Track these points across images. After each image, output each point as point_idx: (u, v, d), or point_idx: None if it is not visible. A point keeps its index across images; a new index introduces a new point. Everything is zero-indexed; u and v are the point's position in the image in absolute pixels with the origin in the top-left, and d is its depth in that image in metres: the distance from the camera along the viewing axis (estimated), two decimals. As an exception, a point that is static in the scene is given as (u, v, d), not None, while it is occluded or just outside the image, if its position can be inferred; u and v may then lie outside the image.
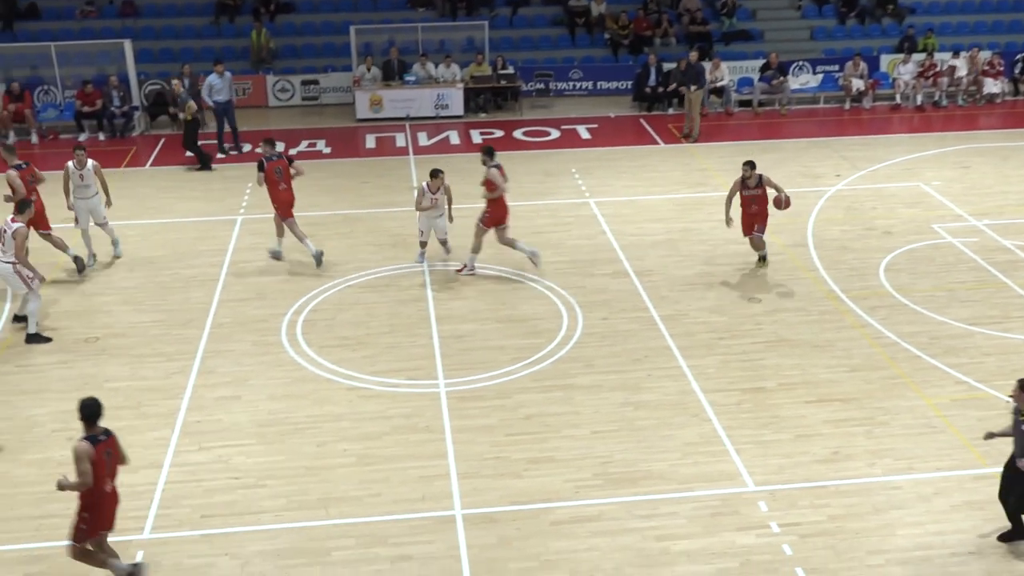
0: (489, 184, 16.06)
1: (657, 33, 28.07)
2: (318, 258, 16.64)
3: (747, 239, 16.28)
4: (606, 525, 10.55)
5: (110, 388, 13.23)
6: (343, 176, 21.17)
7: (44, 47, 25.12)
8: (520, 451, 11.82)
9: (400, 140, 23.77)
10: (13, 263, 14.13)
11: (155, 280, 16.36)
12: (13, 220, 14.25)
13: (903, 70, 26.06)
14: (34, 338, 14.48)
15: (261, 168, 16.60)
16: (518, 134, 24.21)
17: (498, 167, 16.15)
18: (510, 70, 25.93)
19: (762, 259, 16.42)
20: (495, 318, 15.00)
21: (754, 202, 15.91)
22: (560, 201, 19.67)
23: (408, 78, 25.43)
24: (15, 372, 13.68)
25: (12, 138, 23.49)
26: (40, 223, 15.99)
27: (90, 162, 16.41)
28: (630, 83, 26.65)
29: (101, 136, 23.99)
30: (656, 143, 23.50)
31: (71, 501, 10.98)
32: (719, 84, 25.53)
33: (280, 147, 19.50)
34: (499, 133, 24.28)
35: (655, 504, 10.84)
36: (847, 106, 25.98)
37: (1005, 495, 9.89)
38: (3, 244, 14.17)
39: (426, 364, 13.78)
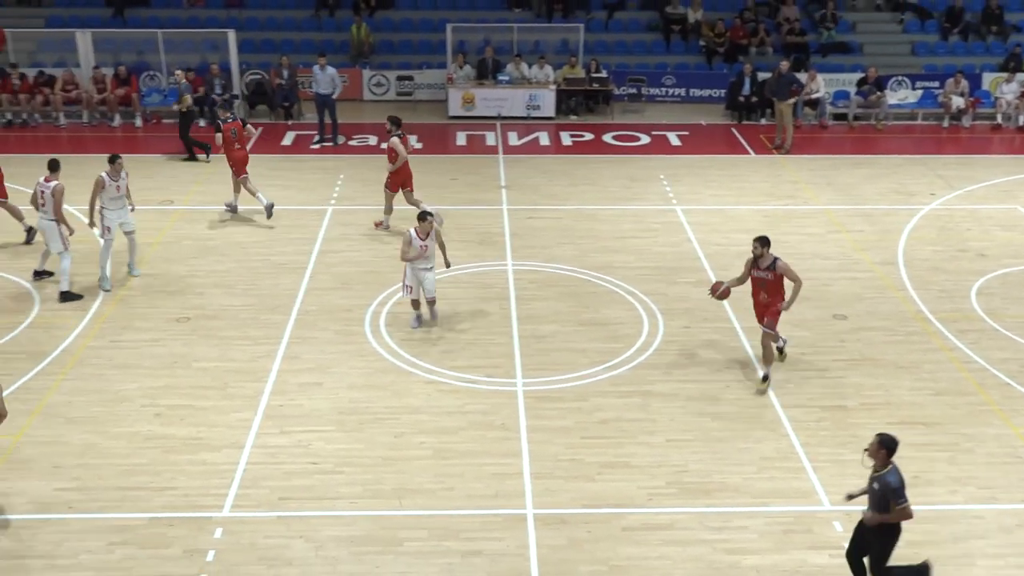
0: (391, 152, 17.57)
1: (753, 42, 27.71)
2: (268, 210, 18.21)
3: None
4: (677, 535, 10.47)
5: (198, 368, 13.55)
6: (432, 172, 21.34)
7: (151, 34, 25.80)
8: (595, 455, 11.79)
9: (490, 139, 23.87)
10: (56, 220, 15.11)
11: (246, 265, 16.69)
12: (47, 180, 15.18)
13: (1006, 89, 25.34)
14: (67, 296, 15.29)
15: (218, 129, 18.65)
16: (608, 138, 24.13)
17: (401, 136, 17.67)
18: (603, 74, 25.87)
19: (779, 351, 13.81)
20: (576, 321, 14.98)
21: (763, 288, 13.02)
22: (646, 207, 19.55)
23: (501, 77, 25.52)
24: (109, 347, 14.08)
25: (118, 120, 24.23)
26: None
27: (124, 171, 15.85)
28: (723, 91, 26.36)
29: (201, 122, 24.51)
30: (747, 153, 23.21)
31: (156, 474, 11.33)
32: (814, 96, 25.10)
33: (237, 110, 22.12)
34: (589, 136, 24.23)
35: (727, 517, 10.72)
36: (946, 124, 25.33)
37: (856, 553, 9.43)
38: (43, 202, 15.12)
39: (505, 363, 13.82)
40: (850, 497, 9.48)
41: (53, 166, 15.36)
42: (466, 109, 25.34)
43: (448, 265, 14.84)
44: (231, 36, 24.93)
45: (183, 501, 10.91)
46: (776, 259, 12.88)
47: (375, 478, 11.32)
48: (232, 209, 18.81)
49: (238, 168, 18.52)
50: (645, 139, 24.08)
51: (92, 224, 15.87)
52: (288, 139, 23.69)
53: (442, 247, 14.52)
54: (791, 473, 11.47)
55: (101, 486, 11.15)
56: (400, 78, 26.80)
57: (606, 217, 18.94)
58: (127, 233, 15.94)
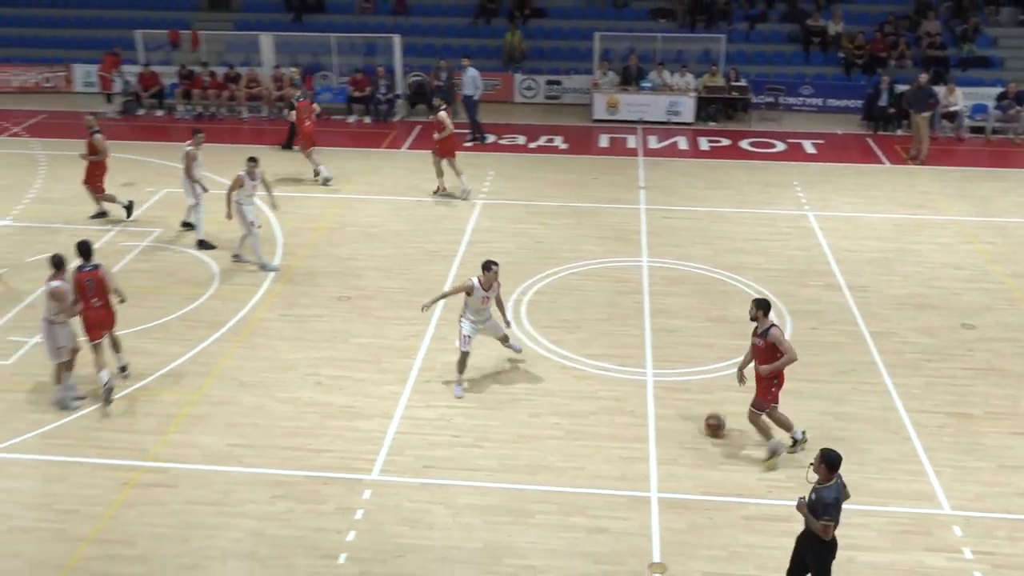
0: (439, 124, 18.98)
1: (893, 55, 26.66)
2: (325, 181, 19.99)
3: None
4: (797, 527, 10.15)
5: (356, 343, 13.95)
6: (575, 171, 21.34)
7: (325, 37, 26.61)
8: (718, 445, 11.63)
9: (631, 141, 23.71)
10: (190, 179, 16.77)
11: (403, 251, 17.06)
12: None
13: None
14: (203, 244, 16.91)
15: (291, 108, 20.66)
16: (744, 144, 23.65)
17: (446, 110, 19.36)
18: (743, 82, 25.35)
19: (771, 456, 11.31)
20: (706, 317, 14.78)
21: (756, 357, 11.17)
22: (779, 211, 19.10)
23: (644, 84, 25.31)
24: (278, 320, 14.62)
25: (294, 116, 25.00)
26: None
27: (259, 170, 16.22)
28: (860, 102, 25.45)
29: (366, 119, 25.17)
30: (881, 163, 22.38)
31: (315, 437, 11.70)
32: (952, 109, 24.00)
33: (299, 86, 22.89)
34: (726, 142, 23.80)
35: (847, 514, 10.31)
36: (1086, 140, 23.87)
37: (796, 572, 8.83)
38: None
39: (636, 353, 13.75)
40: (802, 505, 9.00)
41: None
42: (610, 113, 25.25)
43: (508, 325, 13.17)
44: (396, 40, 25.46)
45: (338, 463, 11.27)
46: (771, 326, 10.98)
47: (511, 453, 11.45)
48: (322, 179, 20.17)
49: (307, 141, 20.19)
50: (781, 146, 23.49)
51: (229, 216, 15.97)
52: (488, 138, 23.90)
53: (500, 305, 12.89)
54: (912, 476, 11.07)
55: (267, 444, 11.61)
56: (549, 82, 26.87)
57: (740, 220, 18.59)
58: (258, 226, 16.23)
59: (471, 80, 23.10)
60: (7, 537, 10.12)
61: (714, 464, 11.28)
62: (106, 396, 12.20)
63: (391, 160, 22.08)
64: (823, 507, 8.33)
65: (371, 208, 19.06)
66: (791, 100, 26.18)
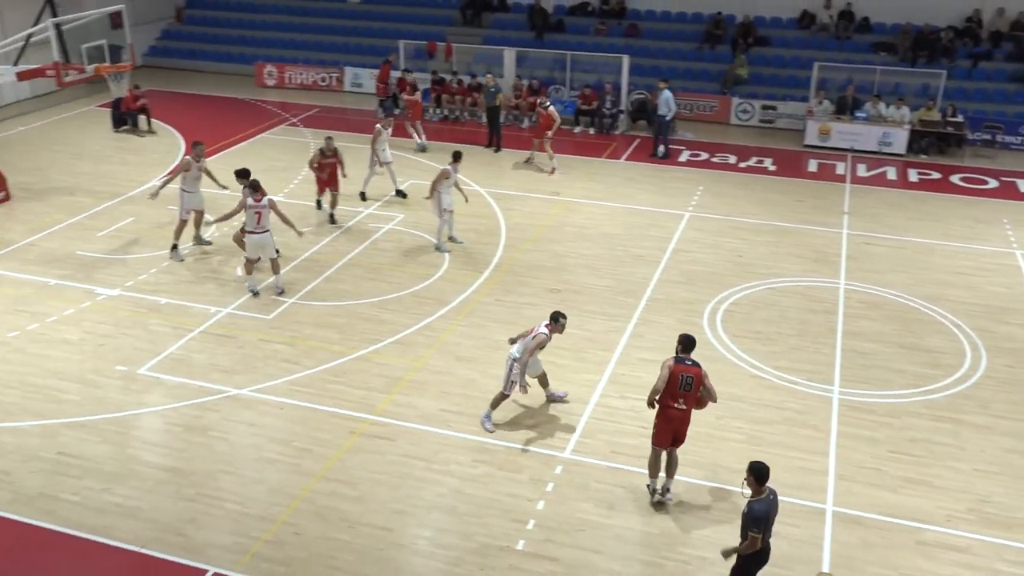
0: (547, 118, 21.07)
1: (1124, 100, 24.04)
2: (421, 147, 22.25)
3: None
4: (971, 559, 9.46)
5: (561, 332, 14.03)
6: (781, 192, 20.56)
7: (562, 54, 26.88)
8: (899, 468, 10.91)
9: (840, 168, 22.56)
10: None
11: (611, 253, 17.01)
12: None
13: None
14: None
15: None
16: (955, 179, 21.98)
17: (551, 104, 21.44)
18: (959, 118, 23.57)
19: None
20: (899, 343, 13.88)
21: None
22: (985, 247, 17.65)
23: (859, 114, 24.02)
24: (495, 304, 14.94)
25: (526, 123, 25.44)
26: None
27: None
28: (1084, 145, 23.12)
29: (591, 130, 25.24)
30: (1100, 208, 20.24)
31: (517, 412, 11.83)
32: None
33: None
34: (936, 175, 22.20)
35: None
36: None
37: None
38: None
39: (825, 370, 13.10)
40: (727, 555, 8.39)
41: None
42: (821, 140, 24.13)
43: (545, 391, 12.13)
44: (625, 61, 25.37)
45: (535, 438, 11.40)
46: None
47: (694, 449, 11.17)
48: (421, 147, 22.45)
49: (415, 111, 23.15)
50: (993, 183, 21.68)
51: (428, 197, 16.79)
52: (661, 151, 23.66)
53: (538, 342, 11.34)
54: (1102, 525, 9.99)
55: (474, 414, 11.89)
56: (764, 107, 25.99)
57: (943, 252, 17.33)
58: (450, 212, 16.79)
59: (665, 101, 22.65)
60: (254, 464, 10.89)
61: (893, 487, 10.59)
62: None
63: (609, 169, 22.04)
64: (752, 520, 8.07)
65: (587, 211, 19.11)
66: (1009, 139, 24.11)
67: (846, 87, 24.62)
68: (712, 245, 17.44)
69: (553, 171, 21.30)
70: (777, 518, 9.92)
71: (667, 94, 22.61)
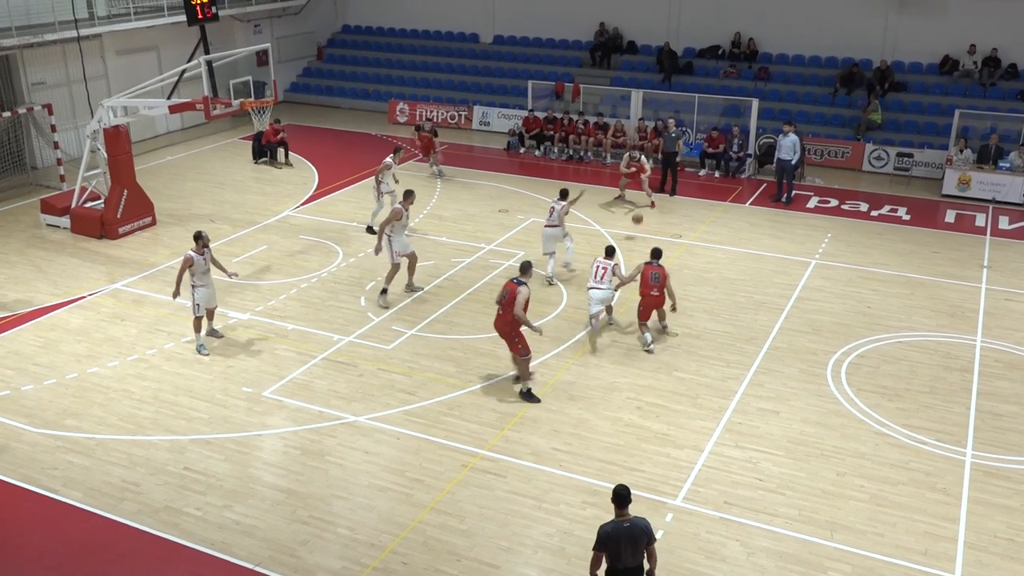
0: (640, 167, 21.68)
1: None
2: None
3: None
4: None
5: (677, 376, 13.81)
6: (915, 243, 19.74)
7: (690, 97, 26.70)
8: (1037, 542, 10.20)
9: (980, 220, 21.51)
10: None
11: (732, 298, 16.67)
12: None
13: None
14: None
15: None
16: (1109, 234, 20.66)
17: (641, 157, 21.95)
18: (1115, 171, 22.17)
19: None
20: (1040, 407, 13.05)
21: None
22: None
23: (1002, 164, 22.88)
24: (611, 345, 14.82)
25: (650, 164, 25.28)
26: None
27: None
28: None
29: (716, 173, 24.92)
30: None
31: (629, 456, 11.69)
32: None
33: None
34: (1087, 230, 20.92)
35: None
36: None
37: None
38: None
39: (957, 431, 12.42)
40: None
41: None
42: (960, 190, 23.09)
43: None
44: (754, 104, 25.00)
45: (646, 483, 11.20)
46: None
47: (812, 506, 10.78)
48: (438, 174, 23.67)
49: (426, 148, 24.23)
50: None
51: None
52: (786, 196, 23.15)
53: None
54: None
55: (585, 454, 11.79)
56: (900, 154, 25.09)
57: (1092, 312, 16.25)
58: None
59: (790, 145, 22.11)
60: (367, 491, 11.08)
61: (1029, 560, 9.91)
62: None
63: (734, 213, 21.67)
64: (597, 539, 8.19)
65: (709, 255, 18.81)
66: None
67: (989, 135, 23.53)
68: (839, 294, 16.86)
69: (653, 204, 21.86)
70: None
71: (792, 138, 22.14)
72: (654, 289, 14.66)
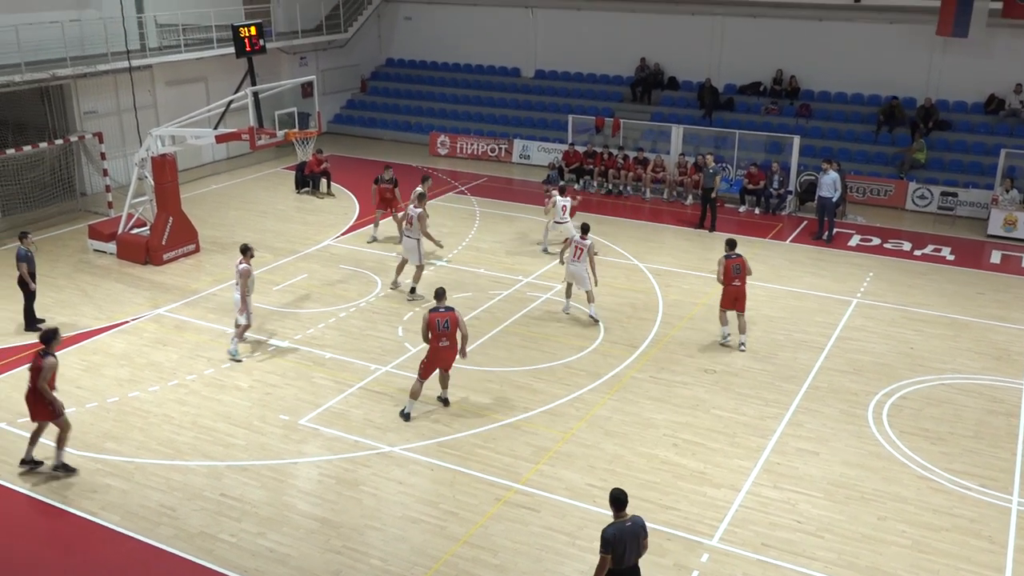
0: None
1: None
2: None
3: None
4: None
5: (715, 414, 13.66)
6: (960, 284, 19.42)
7: (730, 132, 26.65)
8: (1087, 594, 9.89)
9: (1027, 261, 21.16)
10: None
11: (771, 336, 16.50)
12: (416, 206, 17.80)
13: None
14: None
15: (377, 182, 21.10)
16: None
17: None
18: None
19: None
20: (1090, 454, 12.71)
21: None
22: None
23: (1050, 205, 22.54)
24: (648, 381, 14.73)
25: (690, 200, 25.25)
26: None
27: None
28: None
29: (756, 210, 24.78)
30: None
31: (664, 493, 11.53)
32: None
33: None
34: None
35: None
36: None
37: None
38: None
39: (1003, 477, 12.12)
40: None
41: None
42: (1006, 230, 22.73)
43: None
44: (795, 141, 24.87)
45: (682, 522, 11.05)
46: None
47: (852, 550, 10.55)
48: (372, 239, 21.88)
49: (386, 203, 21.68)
50: None
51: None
52: (827, 234, 22.94)
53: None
54: None
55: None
56: (944, 193, 24.78)
57: None
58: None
59: (831, 182, 21.94)
60: (399, 522, 11.06)
61: (1079, 613, 9.60)
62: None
63: (773, 250, 21.50)
64: (601, 542, 8.32)
65: (749, 292, 18.50)
66: None
67: (1036, 176, 23.19)
68: (882, 334, 16.61)
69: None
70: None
71: (833, 175, 21.98)
72: (736, 280, 15.61)
